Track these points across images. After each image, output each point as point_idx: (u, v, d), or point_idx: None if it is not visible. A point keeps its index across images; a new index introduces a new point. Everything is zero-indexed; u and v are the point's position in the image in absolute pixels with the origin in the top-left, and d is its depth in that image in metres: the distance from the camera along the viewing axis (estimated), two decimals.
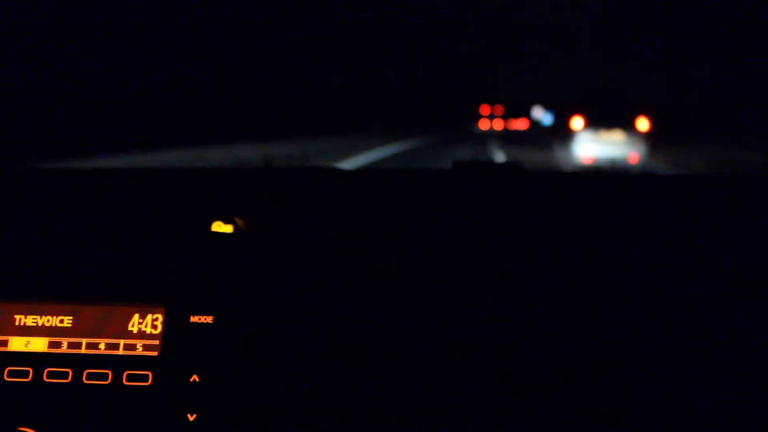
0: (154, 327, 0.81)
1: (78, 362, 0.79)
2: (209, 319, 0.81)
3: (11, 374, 0.79)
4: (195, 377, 0.78)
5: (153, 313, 0.81)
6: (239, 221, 0.94)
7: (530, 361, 0.82)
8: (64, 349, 0.80)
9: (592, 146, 12.11)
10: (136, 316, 0.81)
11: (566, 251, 0.91)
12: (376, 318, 0.84)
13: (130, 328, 0.81)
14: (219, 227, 0.93)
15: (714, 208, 0.97)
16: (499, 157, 15.18)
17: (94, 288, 0.83)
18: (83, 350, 0.80)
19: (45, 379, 0.79)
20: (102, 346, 0.80)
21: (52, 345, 0.80)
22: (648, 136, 11.87)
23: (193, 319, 0.81)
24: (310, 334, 0.83)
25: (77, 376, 0.79)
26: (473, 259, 0.91)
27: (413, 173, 1.19)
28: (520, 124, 74.19)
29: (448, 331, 0.84)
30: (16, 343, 0.81)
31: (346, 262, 0.91)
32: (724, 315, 0.85)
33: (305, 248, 0.92)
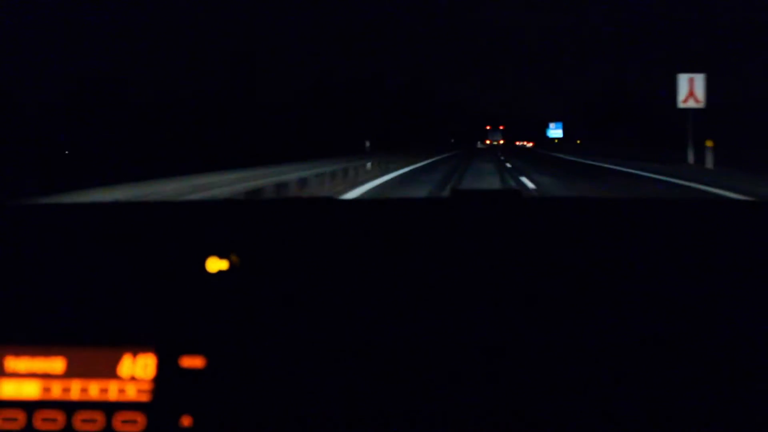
0: (146, 370, 0.80)
1: (69, 407, 0.78)
2: (201, 360, 0.79)
3: (3, 420, 0.78)
4: (188, 421, 0.77)
5: (144, 356, 0.80)
6: (234, 257, 0.93)
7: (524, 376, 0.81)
8: (55, 393, 0.79)
9: None
10: (128, 359, 0.80)
11: (564, 274, 0.90)
12: (377, 356, 0.82)
13: (121, 372, 0.80)
14: (214, 264, 0.91)
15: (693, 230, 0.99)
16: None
17: (86, 331, 0.83)
18: (74, 394, 0.79)
19: (37, 425, 0.78)
20: (93, 390, 0.79)
21: (43, 389, 0.79)
22: None
23: (185, 360, 0.79)
24: (305, 372, 0.81)
25: (69, 421, 0.78)
26: (475, 288, 0.89)
27: (412, 202, 1.18)
28: (525, 142, 75.79)
29: (447, 366, 0.82)
30: (8, 388, 0.80)
31: (346, 295, 0.89)
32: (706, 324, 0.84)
33: (304, 282, 0.91)
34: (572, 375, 0.80)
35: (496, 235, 0.99)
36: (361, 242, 0.98)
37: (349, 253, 0.96)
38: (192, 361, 0.79)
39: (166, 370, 0.79)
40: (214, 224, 1.03)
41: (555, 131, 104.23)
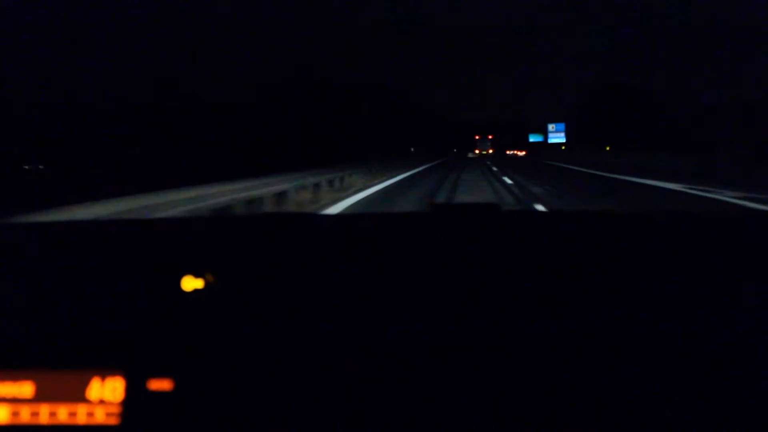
0: (114, 393, 0.79)
1: (38, 431, 0.78)
2: (169, 383, 0.79)
3: None
4: None
5: (113, 379, 0.80)
6: (209, 276, 0.92)
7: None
8: (24, 417, 0.79)
9: None
10: (97, 382, 0.80)
11: (544, 285, 0.91)
12: (355, 377, 0.81)
13: (89, 395, 0.79)
14: (189, 282, 0.91)
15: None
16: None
17: (54, 354, 0.82)
18: (43, 418, 0.79)
19: None
20: (62, 414, 0.79)
21: (12, 414, 0.79)
22: None
23: (153, 383, 0.79)
24: (277, 394, 0.80)
25: None
26: (454, 300, 0.89)
27: (391, 217, 1.18)
28: (517, 151, 73.19)
29: (426, 383, 0.81)
30: None
31: (323, 314, 0.88)
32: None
33: (280, 300, 0.90)
34: (552, 380, 0.79)
35: (474, 247, 0.99)
36: (339, 258, 0.98)
37: (326, 269, 0.95)
38: (160, 384, 0.79)
39: (135, 394, 0.79)
40: (189, 242, 1.03)
41: (556, 135, 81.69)
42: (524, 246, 1.01)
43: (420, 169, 27.94)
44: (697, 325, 0.84)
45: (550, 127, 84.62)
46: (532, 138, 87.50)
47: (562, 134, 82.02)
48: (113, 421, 0.78)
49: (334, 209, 10.19)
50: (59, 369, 0.81)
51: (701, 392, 0.78)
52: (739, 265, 0.94)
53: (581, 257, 0.97)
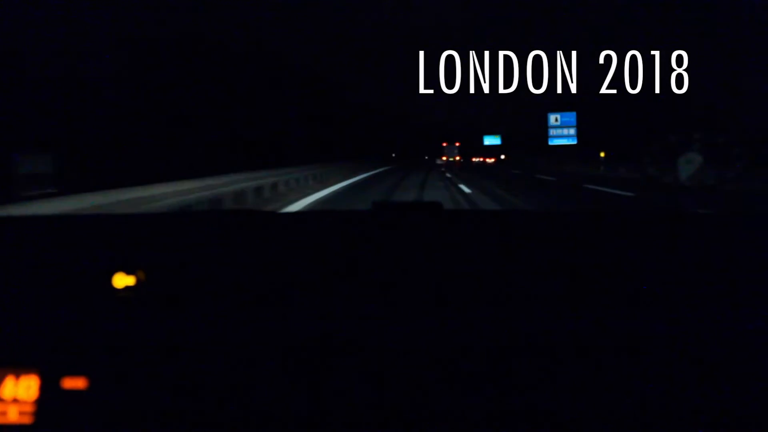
0: (28, 392, 0.78)
1: None
2: (83, 381, 0.78)
3: None
4: None
5: (27, 377, 0.79)
6: (141, 273, 0.92)
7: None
8: None
9: None
10: (11, 380, 0.79)
11: (482, 284, 0.90)
12: (281, 379, 0.79)
13: (3, 394, 0.78)
14: (121, 279, 0.91)
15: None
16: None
17: None
18: None
19: None
20: None
21: None
22: None
23: (67, 381, 0.78)
24: (195, 393, 0.79)
25: None
26: (394, 295, 0.89)
27: (333, 215, 1.18)
28: (484, 158, 69.76)
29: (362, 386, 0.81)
30: None
31: (249, 311, 0.88)
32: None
33: (211, 296, 0.90)
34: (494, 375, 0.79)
35: (415, 244, 0.99)
36: (273, 256, 0.98)
37: (259, 266, 0.95)
38: (74, 383, 0.78)
39: (49, 392, 0.78)
40: (124, 239, 1.03)
41: (562, 133, 43.07)
42: (465, 244, 1.00)
43: None
44: (651, 323, 0.83)
45: (552, 119, 43.94)
46: (488, 140, 71.18)
47: (573, 130, 43.09)
48: (27, 420, 0.77)
49: None
50: None
51: (698, 391, 0.77)
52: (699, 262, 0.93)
53: (522, 256, 0.96)
